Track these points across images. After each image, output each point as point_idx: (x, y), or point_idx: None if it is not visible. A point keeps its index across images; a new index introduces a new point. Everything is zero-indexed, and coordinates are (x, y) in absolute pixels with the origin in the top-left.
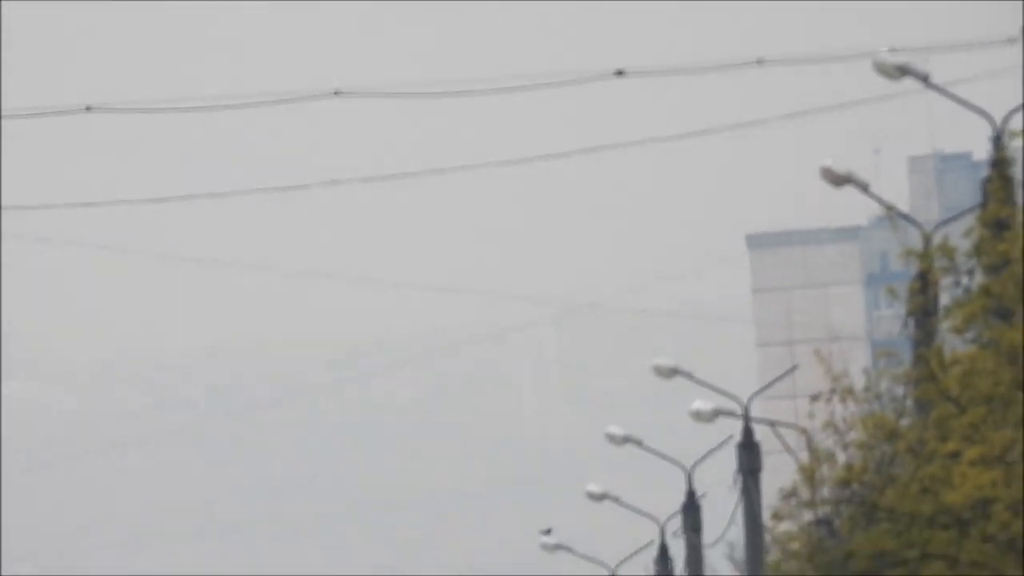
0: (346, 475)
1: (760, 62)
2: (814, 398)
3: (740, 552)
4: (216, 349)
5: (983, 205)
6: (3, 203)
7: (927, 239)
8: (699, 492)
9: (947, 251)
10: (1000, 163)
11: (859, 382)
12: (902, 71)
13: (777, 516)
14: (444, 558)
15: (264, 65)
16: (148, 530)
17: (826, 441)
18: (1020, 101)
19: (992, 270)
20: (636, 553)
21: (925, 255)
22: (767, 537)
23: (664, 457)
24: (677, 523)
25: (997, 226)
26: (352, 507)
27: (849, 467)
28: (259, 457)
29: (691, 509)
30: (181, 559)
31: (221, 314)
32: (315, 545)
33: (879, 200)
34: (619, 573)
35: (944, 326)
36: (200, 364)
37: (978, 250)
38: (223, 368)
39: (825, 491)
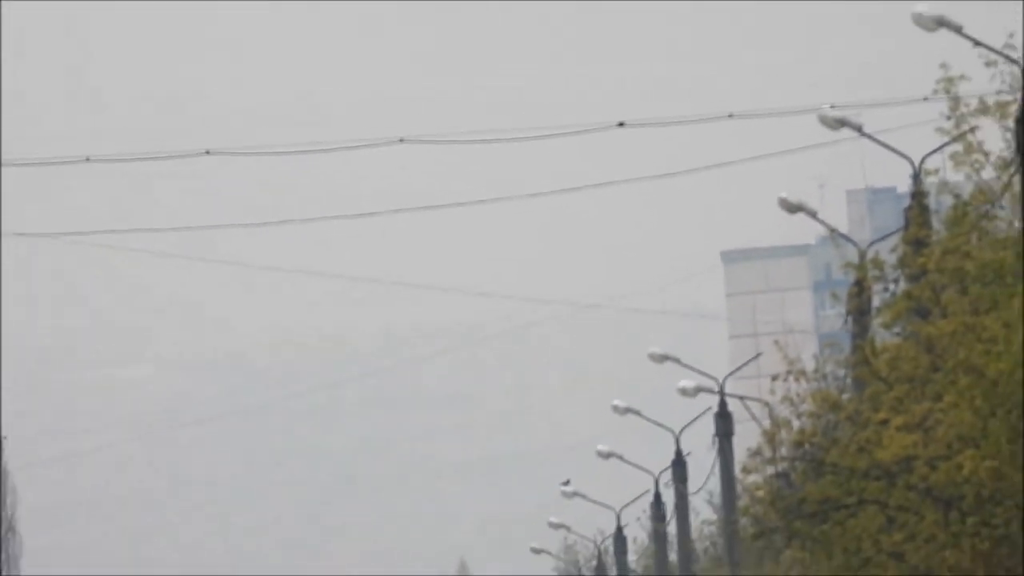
0: (395, 442)
1: (731, 116)
2: (774, 378)
3: (717, 498)
4: (282, 342)
5: (905, 228)
6: (110, 227)
7: (862, 255)
8: (685, 452)
9: (877, 264)
10: (918, 195)
11: (809, 366)
12: (841, 123)
13: (746, 470)
14: (483, 504)
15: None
16: (249, 482)
17: (784, 411)
18: (934, 147)
19: (913, 279)
20: (636, 500)
21: (860, 267)
22: (738, 487)
23: (657, 424)
24: (668, 476)
25: (916, 244)
26: (403, 470)
27: (802, 432)
28: (321, 429)
29: (679, 465)
30: (265, 508)
31: (285, 313)
32: (380, 497)
33: (824, 224)
34: (621, 515)
35: (876, 322)
36: (269, 353)
37: (902, 263)
38: (289, 356)
39: (783, 450)
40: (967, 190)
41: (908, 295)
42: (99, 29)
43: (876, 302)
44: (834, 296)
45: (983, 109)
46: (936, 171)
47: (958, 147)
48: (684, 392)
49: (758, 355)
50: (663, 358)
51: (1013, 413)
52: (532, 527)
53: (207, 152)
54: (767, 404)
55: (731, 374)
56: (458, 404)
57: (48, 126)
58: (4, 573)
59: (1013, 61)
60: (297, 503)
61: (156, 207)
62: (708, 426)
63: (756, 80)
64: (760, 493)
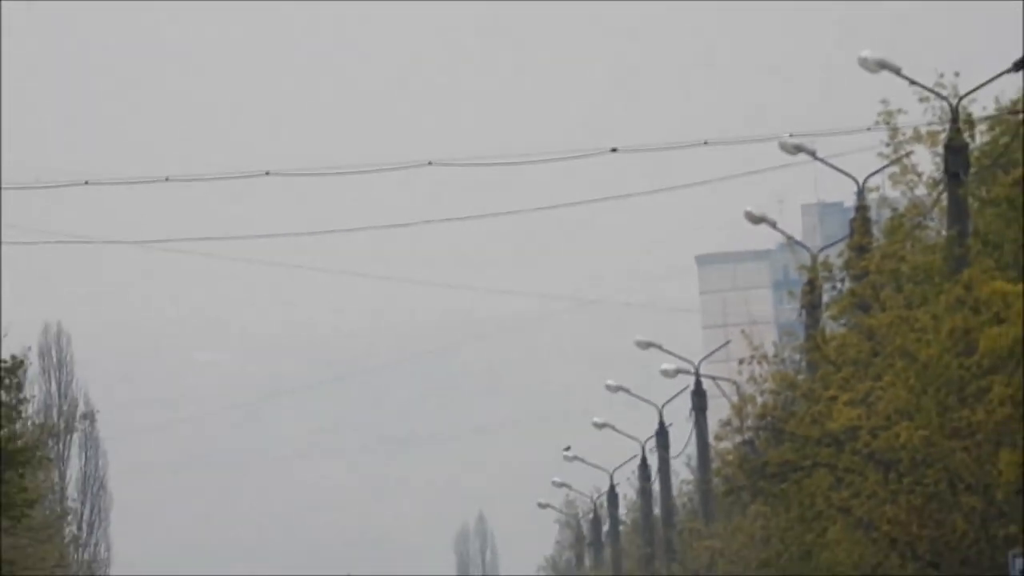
0: (432, 410)
1: (705, 143)
2: (741, 362)
3: (694, 462)
4: (346, 329)
5: (850, 236)
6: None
7: (814, 259)
8: (667, 423)
9: (827, 267)
10: (861, 209)
11: (770, 352)
12: (798, 148)
13: (718, 438)
14: (499, 464)
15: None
16: (317, 446)
17: (749, 390)
18: (876, 168)
19: (856, 279)
20: (625, 463)
21: (812, 269)
22: (711, 452)
23: (644, 400)
24: (652, 444)
25: (859, 250)
26: (438, 434)
27: (764, 406)
28: (375, 403)
29: (662, 435)
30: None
31: (350, 303)
32: (419, 457)
33: (782, 232)
34: (613, 476)
35: (825, 315)
36: (330, 340)
37: (847, 265)
38: (344, 343)
39: (749, 422)
40: (903, 205)
41: (852, 292)
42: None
43: (826, 298)
44: (791, 293)
45: (917, 137)
46: (877, 188)
47: (895, 169)
48: (666, 374)
49: (727, 343)
50: (648, 345)
51: (941, 391)
52: (539, 485)
53: (267, 173)
54: (735, 383)
55: (705, 359)
56: (483, 380)
57: (135, 152)
58: (96, 524)
59: (943, 97)
60: (357, 463)
61: (220, 219)
62: (686, 402)
63: (728, 111)
64: (730, 457)
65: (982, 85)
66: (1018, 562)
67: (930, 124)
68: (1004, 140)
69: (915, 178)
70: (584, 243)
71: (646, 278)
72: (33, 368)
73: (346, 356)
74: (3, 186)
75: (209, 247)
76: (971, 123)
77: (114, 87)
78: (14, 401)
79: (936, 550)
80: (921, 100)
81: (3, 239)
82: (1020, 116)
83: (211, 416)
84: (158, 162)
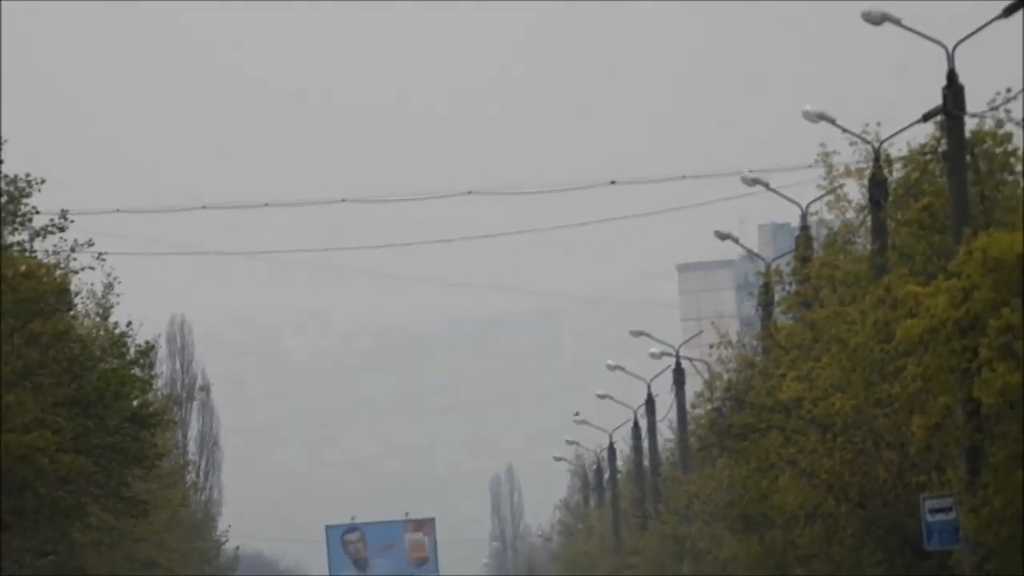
0: (475, 380)
1: (683, 177)
2: (711, 346)
3: (675, 424)
4: (396, 321)
5: (796, 250)
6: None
7: (768, 267)
8: (654, 395)
9: (778, 273)
10: (804, 228)
11: (735, 339)
12: (755, 181)
13: (693, 406)
14: (524, 426)
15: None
16: (402, 405)
17: (718, 368)
18: (815, 197)
19: (801, 283)
20: (622, 425)
21: (767, 275)
22: (688, 417)
23: (636, 376)
24: (643, 411)
25: (803, 260)
26: (477, 400)
27: (730, 381)
28: (441, 368)
29: (650, 403)
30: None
31: (398, 305)
32: (465, 417)
33: (744, 247)
34: (613, 436)
35: (777, 311)
36: (407, 327)
37: (794, 273)
38: (403, 331)
39: (718, 393)
40: (836, 225)
41: (798, 293)
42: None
43: (777, 297)
44: (750, 294)
45: (847, 173)
46: (816, 213)
47: (831, 197)
48: (653, 356)
49: (700, 332)
50: (639, 333)
51: (867, 370)
52: (556, 443)
53: (343, 200)
54: (707, 364)
55: (683, 344)
56: (513, 360)
57: (240, 176)
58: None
59: (867, 142)
60: (419, 423)
61: (304, 233)
62: (668, 378)
63: (701, 149)
64: (703, 422)
65: (898, 132)
66: (928, 503)
67: (857, 163)
68: (915, 175)
69: (846, 204)
70: (589, 255)
71: (637, 281)
72: (162, 351)
73: (403, 342)
74: (150, 209)
75: (299, 257)
76: (889, 162)
77: (214, 120)
78: (147, 377)
79: (863, 494)
80: (851, 144)
81: (148, 250)
82: (927, 157)
83: (303, 388)
84: (258, 187)
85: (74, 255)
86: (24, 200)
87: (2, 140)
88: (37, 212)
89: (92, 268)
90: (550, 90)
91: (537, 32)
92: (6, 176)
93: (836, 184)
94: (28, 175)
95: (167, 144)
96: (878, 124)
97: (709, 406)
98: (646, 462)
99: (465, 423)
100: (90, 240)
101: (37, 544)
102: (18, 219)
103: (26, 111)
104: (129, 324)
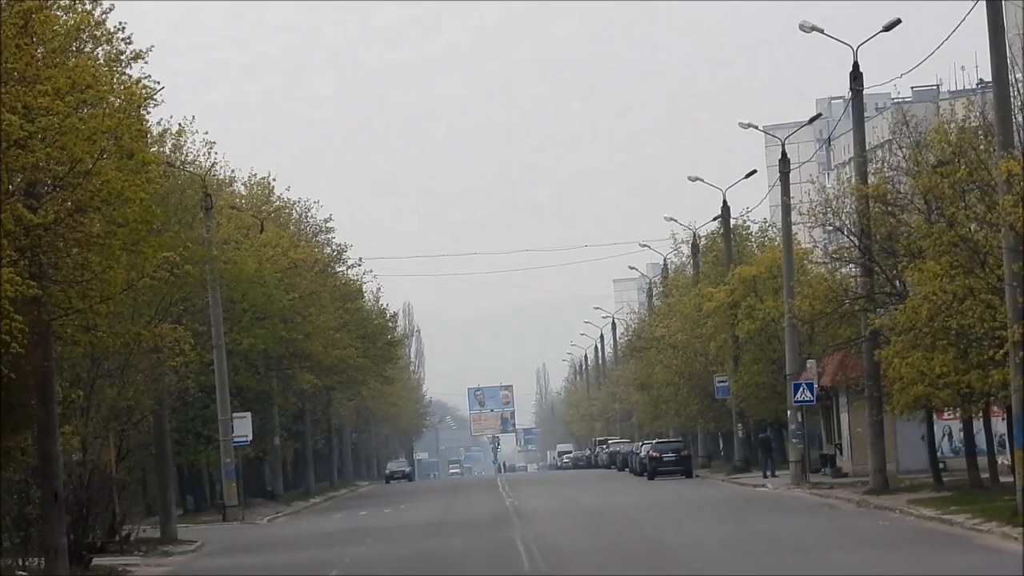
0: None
1: (667, 219)
2: (628, 314)
3: (614, 346)
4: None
5: (664, 273)
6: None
7: (650, 283)
8: (604, 335)
9: (656, 285)
10: (665, 266)
11: (637, 309)
12: (644, 245)
13: (621, 337)
14: (549, 340)
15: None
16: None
17: (633, 321)
18: (670, 251)
19: (666, 288)
20: (590, 347)
21: (650, 286)
22: (619, 344)
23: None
24: (598, 344)
25: (665, 278)
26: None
27: (636, 328)
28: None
29: (602, 339)
30: None
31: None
32: (517, 329)
33: (641, 272)
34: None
35: (655, 300)
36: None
37: (663, 283)
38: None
39: (632, 331)
40: (678, 263)
41: (664, 292)
42: None
43: (655, 294)
44: (647, 294)
45: (682, 241)
46: (669, 260)
47: (675, 253)
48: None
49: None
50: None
51: (691, 323)
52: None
53: (480, 254)
54: (627, 320)
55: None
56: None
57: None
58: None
59: (688, 228)
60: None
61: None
62: (609, 326)
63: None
64: (624, 346)
65: (707, 223)
66: (717, 377)
67: (685, 239)
68: (712, 243)
69: (683, 254)
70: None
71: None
72: (400, 323)
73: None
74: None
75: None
76: (698, 237)
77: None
78: (390, 337)
79: (690, 374)
80: (683, 231)
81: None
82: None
83: (476, 319)
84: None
85: None
86: None
87: None
88: None
89: None
90: None
91: None
92: None
93: (678, 246)
94: None
95: None
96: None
97: (626, 338)
98: (600, 363)
99: (517, 334)
100: None
101: (345, 396)
102: None
103: None
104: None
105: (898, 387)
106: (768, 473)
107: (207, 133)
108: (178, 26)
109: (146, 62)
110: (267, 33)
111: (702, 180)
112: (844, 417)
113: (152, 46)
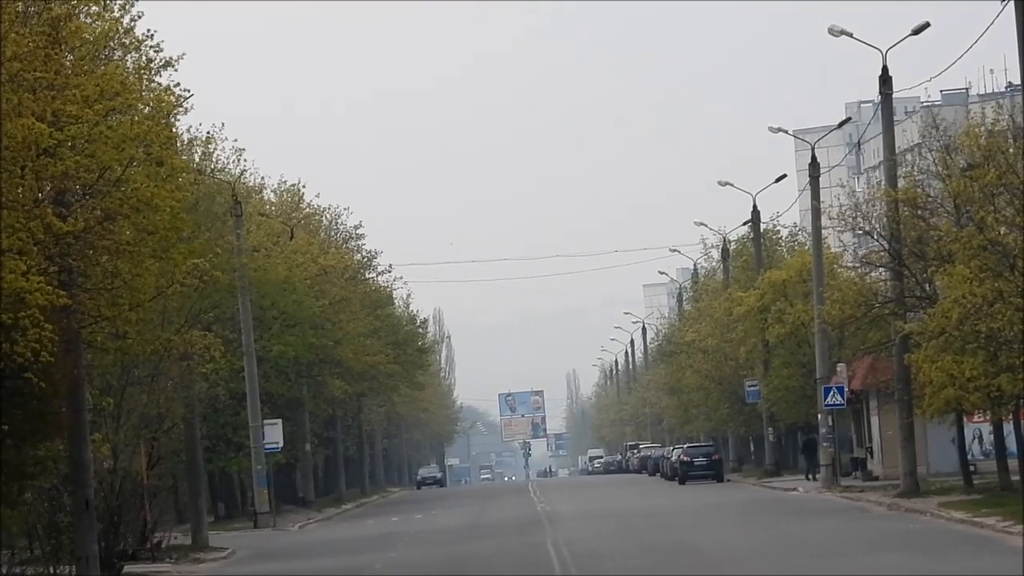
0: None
1: (698, 224)
2: (657, 319)
3: (645, 351)
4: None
5: (695, 278)
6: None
7: (680, 287)
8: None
9: (686, 290)
10: (695, 272)
11: (667, 314)
12: (673, 250)
13: (651, 342)
14: (578, 346)
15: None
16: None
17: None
18: (700, 255)
19: (697, 292)
20: (619, 352)
21: (680, 291)
22: (650, 348)
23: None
24: (629, 348)
25: (695, 282)
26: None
27: (666, 333)
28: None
29: (632, 343)
30: None
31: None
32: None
33: (671, 277)
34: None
35: (686, 305)
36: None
37: (692, 289)
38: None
39: (663, 336)
40: (710, 267)
41: (695, 297)
42: None
43: (685, 299)
44: (677, 299)
45: (712, 247)
46: (699, 264)
47: (705, 257)
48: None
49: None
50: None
51: (721, 327)
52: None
53: (511, 260)
54: (657, 324)
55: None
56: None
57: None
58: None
59: (718, 233)
60: (538, 327)
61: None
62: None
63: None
64: (654, 350)
65: (737, 227)
66: (747, 382)
67: (716, 244)
68: (743, 247)
69: (713, 259)
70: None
71: (628, 289)
72: (431, 328)
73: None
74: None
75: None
76: (728, 241)
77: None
78: (421, 343)
79: (722, 379)
80: (713, 236)
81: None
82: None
83: (506, 325)
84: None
85: None
86: None
87: None
88: None
89: None
90: None
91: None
92: None
93: (708, 250)
94: None
95: None
96: (724, 227)
97: (657, 343)
98: (630, 367)
99: (546, 341)
100: None
101: (376, 403)
102: None
103: None
104: None
105: (928, 390)
106: (811, 476)
107: (236, 140)
108: (212, 33)
109: (176, 69)
110: (308, 39)
111: (732, 185)
112: (875, 420)
113: (183, 54)
